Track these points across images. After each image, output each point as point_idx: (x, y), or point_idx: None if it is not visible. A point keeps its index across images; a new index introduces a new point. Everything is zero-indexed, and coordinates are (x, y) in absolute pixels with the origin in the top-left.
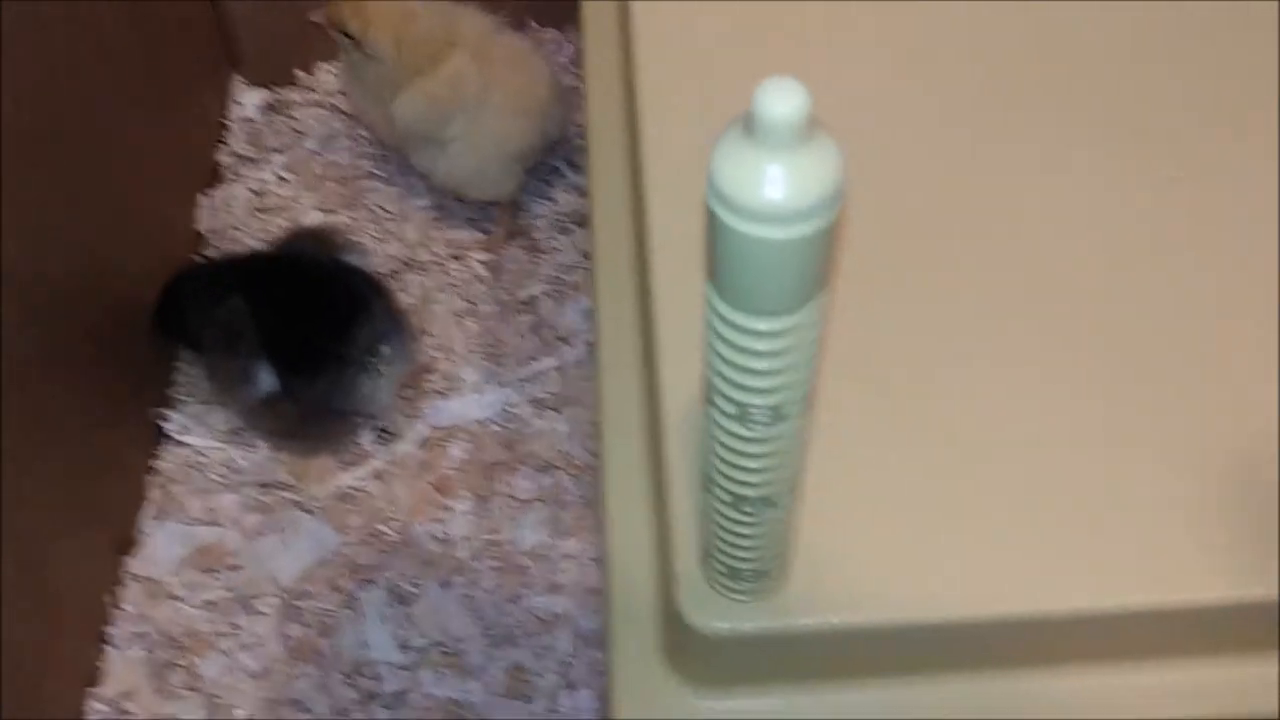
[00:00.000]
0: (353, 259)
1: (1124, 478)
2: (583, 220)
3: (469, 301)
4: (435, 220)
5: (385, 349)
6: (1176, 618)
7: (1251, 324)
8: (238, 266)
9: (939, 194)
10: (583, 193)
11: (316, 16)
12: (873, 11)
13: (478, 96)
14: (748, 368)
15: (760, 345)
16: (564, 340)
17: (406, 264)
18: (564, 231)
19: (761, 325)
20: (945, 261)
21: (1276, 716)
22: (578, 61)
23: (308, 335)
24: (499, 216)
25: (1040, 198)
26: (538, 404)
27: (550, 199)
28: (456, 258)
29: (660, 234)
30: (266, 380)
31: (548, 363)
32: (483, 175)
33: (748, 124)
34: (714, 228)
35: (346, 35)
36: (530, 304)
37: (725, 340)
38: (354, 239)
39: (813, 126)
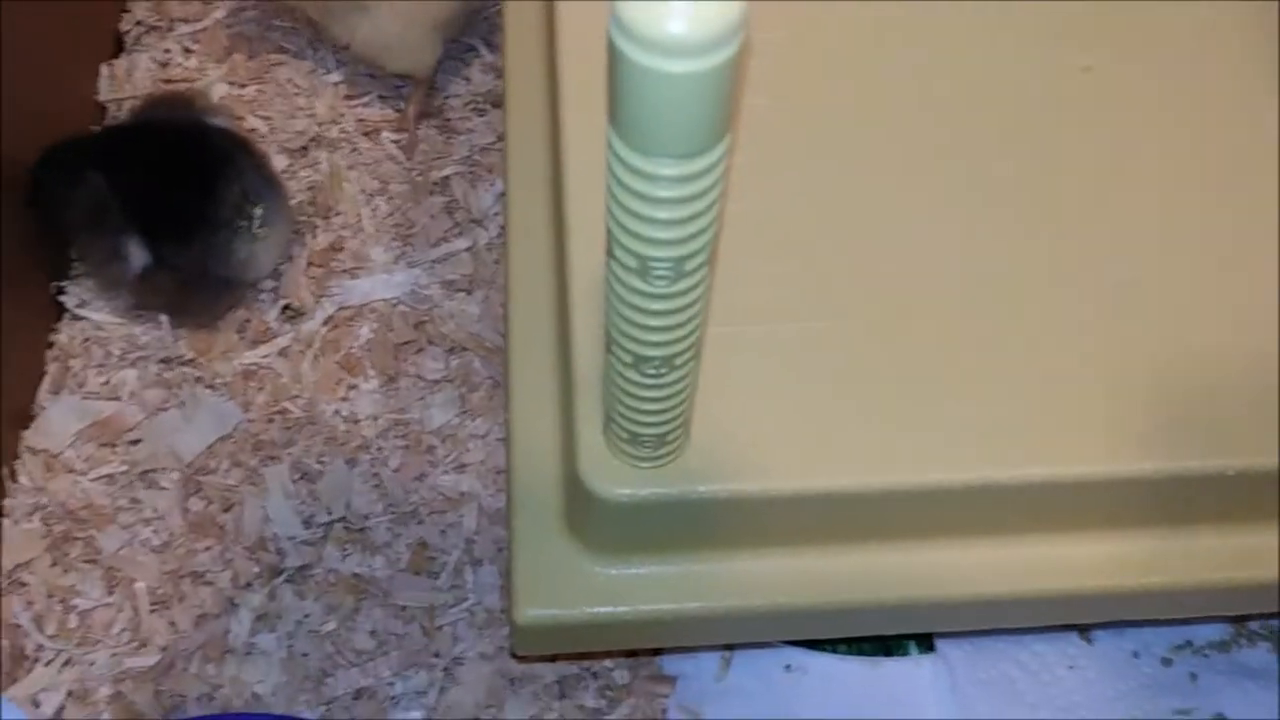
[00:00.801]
0: (217, 122)
1: (1022, 345)
2: (499, 102)
3: (380, 180)
4: (346, 97)
5: (257, 209)
6: (1065, 489)
7: (1163, 179)
8: (94, 142)
9: (850, 46)
10: (499, 73)
11: None
12: None
13: None
14: (650, 217)
15: (662, 192)
16: (477, 222)
17: (316, 140)
18: (479, 113)
19: (664, 170)
20: (854, 119)
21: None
22: None
23: (172, 201)
24: (411, 94)
25: (960, 47)
26: (448, 285)
27: (466, 79)
28: (368, 135)
29: (573, 104)
30: (138, 255)
31: (460, 244)
32: (403, 43)
33: None
34: (615, 62)
35: None
36: (443, 185)
37: (626, 187)
38: (223, 105)
39: None
